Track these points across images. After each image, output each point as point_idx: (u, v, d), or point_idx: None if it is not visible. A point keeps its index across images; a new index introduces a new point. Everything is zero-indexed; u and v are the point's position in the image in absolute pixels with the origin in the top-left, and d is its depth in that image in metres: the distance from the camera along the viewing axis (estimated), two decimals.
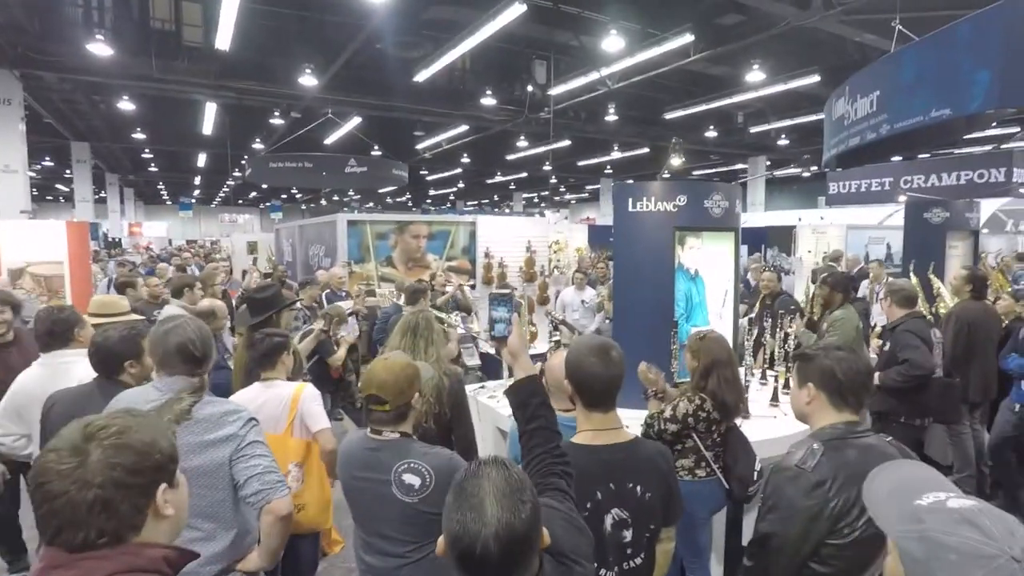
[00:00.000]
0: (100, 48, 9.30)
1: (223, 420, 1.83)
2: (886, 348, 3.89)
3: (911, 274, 5.26)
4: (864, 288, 6.99)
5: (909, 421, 3.86)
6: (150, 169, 25.89)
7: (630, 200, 3.47)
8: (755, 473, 2.61)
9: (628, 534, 1.70)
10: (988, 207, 11.59)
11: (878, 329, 5.29)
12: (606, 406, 1.78)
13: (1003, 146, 15.19)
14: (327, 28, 10.71)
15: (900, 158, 11.11)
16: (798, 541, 1.61)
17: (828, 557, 1.60)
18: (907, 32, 6.76)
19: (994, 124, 13.31)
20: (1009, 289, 5.14)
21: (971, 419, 4.23)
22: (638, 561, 1.75)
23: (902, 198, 9.17)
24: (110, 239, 21.81)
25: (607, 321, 4.52)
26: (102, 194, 25.85)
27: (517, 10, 7.89)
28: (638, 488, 1.71)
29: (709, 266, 3.63)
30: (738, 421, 3.26)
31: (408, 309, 4.90)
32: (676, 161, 5.02)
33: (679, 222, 3.46)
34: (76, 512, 0.96)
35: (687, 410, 2.59)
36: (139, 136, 17.76)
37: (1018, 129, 14.43)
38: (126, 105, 13.18)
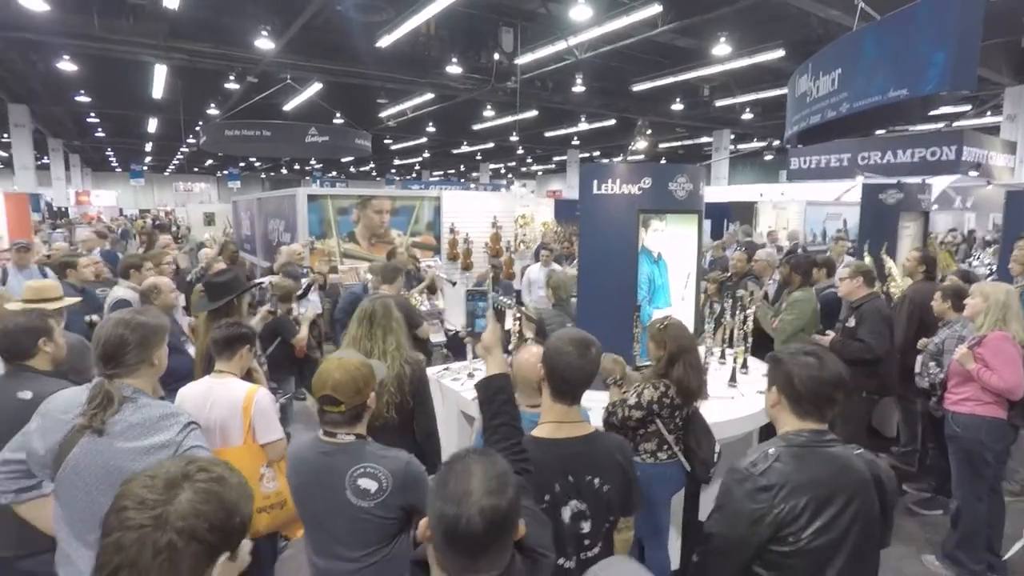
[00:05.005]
0: (35, 3, 8.66)
1: (159, 424, 1.73)
2: (849, 323, 4.02)
3: (866, 254, 5.40)
4: None
5: (871, 395, 4.02)
6: (97, 134, 24.53)
7: (595, 182, 3.43)
8: (715, 455, 2.66)
9: (587, 525, 1.72)
10: (938, 184, 11.99)
11: None
12: (572, 398, 1.79)
13: (954, 124, 15.66)
14: None
15: (865, 134, 11.35)
16: (739, 544, 1.61)
17: (772, 564, 1.61)
18: (869, 10, 6.82)
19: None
20: (955, 268, 5.34)
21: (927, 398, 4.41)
22: (596, 551, 1.78)
23: (859, 176, 9.37)
24: (55, 209, 20.67)
25: (551, 304, 4.51)
26: (45, 160, 24.44)
27: None
28: (596, 481, 1.73)
29: (673, 248, 3.64)
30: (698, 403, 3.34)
31: (386, 288, 4.76)
32: (642, 144, 4.98)
33: (643, 204, 3.43)
34: (142, 554, 0.89)
35: (652, 397, 2.63)
36: (83, 99, 16.74)
37: (969, 107, 14.86)
38: (67, 66, 12.36)
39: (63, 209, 21.20)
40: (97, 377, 1.78)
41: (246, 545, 1.05)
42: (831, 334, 4.06)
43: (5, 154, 24.18)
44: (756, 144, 22.22)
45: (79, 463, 1.66)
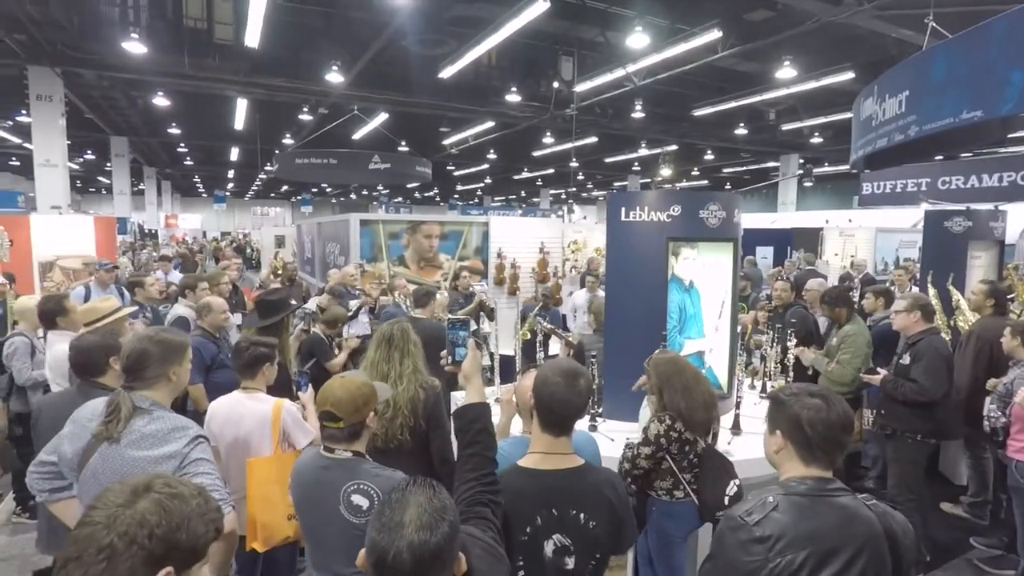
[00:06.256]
0: (135, 46, 9.58)
1: (169, 436, 1.84)
2: (903, 360, 3.75)
3: (929, 285, 5.04)
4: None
5: (925, 439, 3.72)
6: (186, 163, 26.65)
7: (623, 209, 3.40)
8: (726, 497, 2.51)
9: (571, 561, 1.66)
10: None
11: None
12: (560, 430, 1.74)
13: None
14: (353, 25, 10.81)
15: (941, 158, 10.68)
16: None
17: None
18: (940, 29, 6.48)
19: None
20: None
21: (992, 444, 4.02)
22: None
23: (924, 204, 8.79)
24: (146, 231, 22.52)
25: (592, 331, 4.46)
26: (141, 187, 26.73)
27: (540, 7, 7.82)
28: (581, 516, 1.67)
29: (706, 277, 3.53)
30: (726, 442, 3.18)
31: (417, 312, 4.90)
32: (666, 171, 4.90)
33: (672, 232, 3.36)
34: (87, 549, 0.95)
35: (658, 431, 2.55)
36: (175, 131, 18.27)
37: None
38: (161, 101, 13.58)
39: (153, 231, 23.04)
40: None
41: (198, 571, 1.07)
42: (882, 372, 3.79)
43: (107, 181, 26.61)
44: (826, 168, 21.29)
45: (97, 468, 1.80)
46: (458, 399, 3.88)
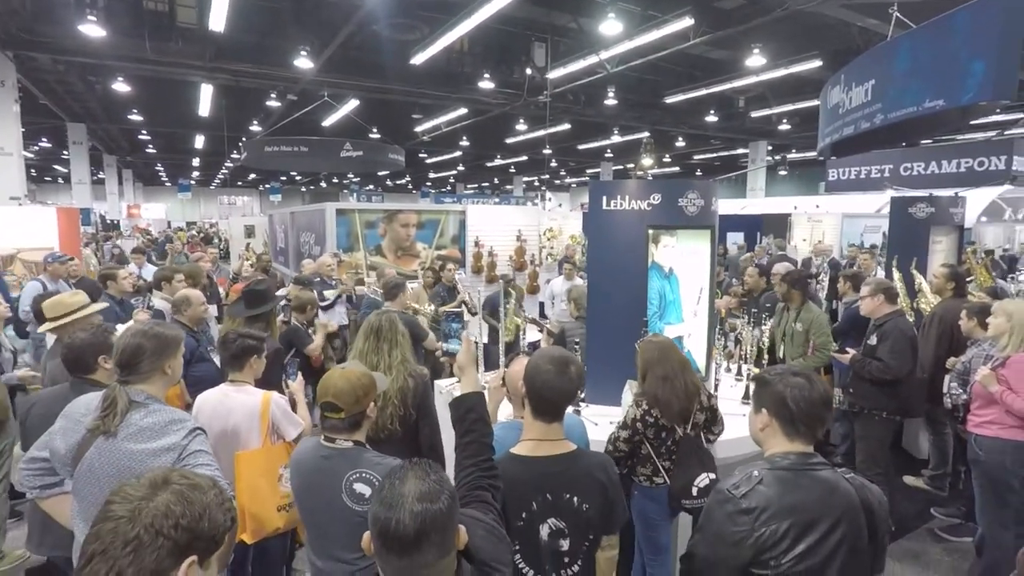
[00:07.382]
0: (92, 29, 9.21)
1: (167, 429, 1.84)
2: (871, 341, 3.92)
3: (894, 269, 5.25)
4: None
5: (892, 416, 3.90)
6: (148, 151, 25.77)
7: (604, 198, 3.46)
8: (695, 488, 2.56)
9: (565, 543, 1.73)
10: (988, 195, 11.52)
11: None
12: (551, 417, 1.80)
13: (1006, 132, 15.01)
14: (322, 9, 10.57)
15: (904, 144, 11.01)
16: (720, 565, 1.60)
17: None
18: (904, 19, 6.66)
19: (997, 111, 13.16)
20: (991, 285, 5.11)
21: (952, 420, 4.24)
22: (575, 569, 1.78)
23: (890, 191, 9.09)
24: (108, 221, 21.80)
25: (573, 318, 4.50)
26: (100, 175, 25.79)
27: None
28: (574, 499, 1.73)
29: (685, 264, 3.62)
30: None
31: (388, 305, 4.88)
32: (647, 161, 4.96)
33: (652, 220, 3.44)
34: (113, 543, 0.97)
35: (635, 415, 2.62)
36: (136, 117, 17.65)
37: (1021, 115, 14.23)
38: (121, 86, 13.09)
39: (115, 222, 22.31)
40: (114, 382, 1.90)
41: (215, 563, 1.10)
42: (850, 351, 3.96)
43: (64, 170, 25.60)
44: (794, 155, 21.75)
45: (94, 463, 1.79)
46: (441, 387, 3.92)
